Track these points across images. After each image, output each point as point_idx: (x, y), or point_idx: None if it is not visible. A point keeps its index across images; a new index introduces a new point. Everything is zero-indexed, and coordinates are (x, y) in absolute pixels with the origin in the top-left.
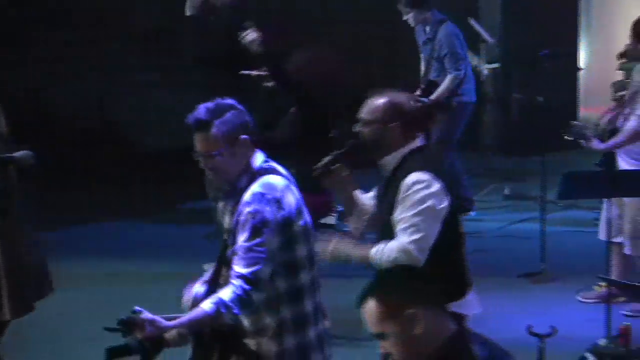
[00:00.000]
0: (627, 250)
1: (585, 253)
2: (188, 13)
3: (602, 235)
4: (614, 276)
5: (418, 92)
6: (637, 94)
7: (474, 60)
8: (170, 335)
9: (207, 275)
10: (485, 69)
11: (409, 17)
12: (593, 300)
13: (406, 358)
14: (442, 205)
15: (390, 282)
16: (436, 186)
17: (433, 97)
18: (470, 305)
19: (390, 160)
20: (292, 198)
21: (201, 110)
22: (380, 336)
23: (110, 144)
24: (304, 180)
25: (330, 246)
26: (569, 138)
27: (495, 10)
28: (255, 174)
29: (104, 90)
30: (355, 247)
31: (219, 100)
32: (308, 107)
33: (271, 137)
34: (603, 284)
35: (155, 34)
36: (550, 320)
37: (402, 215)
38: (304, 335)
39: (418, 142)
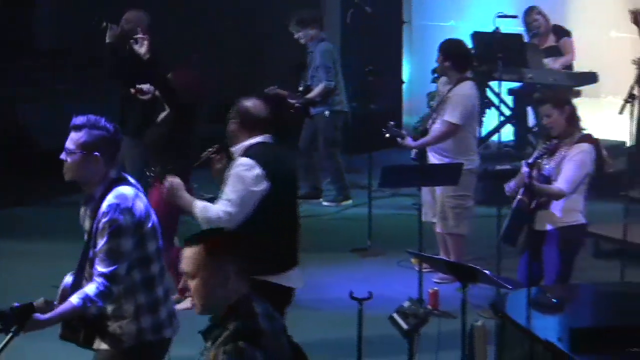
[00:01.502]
0: (437, 229)
1: (404, 232)
2: (107, 40)
3: (425, 217)
4: (442, 252)
5: (298, 93)
6: (443, 102)
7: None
8: (38, 303)
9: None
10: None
11: (300, 35)
12: (443, 280)
13: (198, 302)
14: (258, 188)
15: (216, 240)
16: (256, 171)
17: (309, 96)
18: (294, 280)
19: (238, 148)
20: (141, 204)
21: (84, 116)
22: (189, 275)
23: (22, 145)
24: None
25: (170, 183)
26: (387, 135)
27: (336, 33)
28: (109, 185)
29: (16, 100)
30: (188, 195)
31: (100, 119)
32: (179, 112)
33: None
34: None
35: (60, 51)
36: (373, 287)
37: (224, 188)
38: (158, 316)
39: (260, 139)
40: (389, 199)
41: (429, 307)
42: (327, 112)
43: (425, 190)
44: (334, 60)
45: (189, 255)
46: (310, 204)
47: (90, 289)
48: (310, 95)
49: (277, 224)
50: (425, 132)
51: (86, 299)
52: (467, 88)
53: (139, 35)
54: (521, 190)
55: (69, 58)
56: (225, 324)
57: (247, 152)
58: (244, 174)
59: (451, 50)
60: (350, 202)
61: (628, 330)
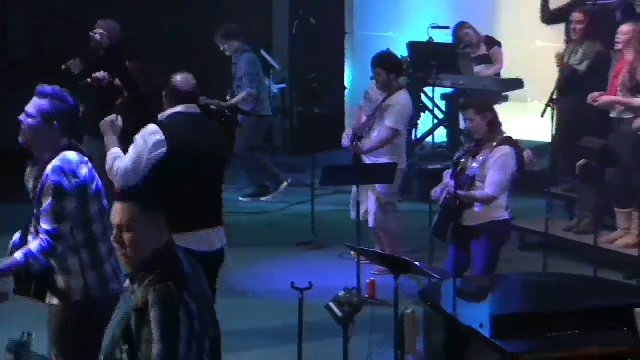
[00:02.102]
0: (370, 224)
1: (346, 226)
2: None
3: (353, 216)
4: (377, 245)
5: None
6: (383, 110)
7: (266, 81)
8: None
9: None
10: (275, 88)
11: (225, 47)
12: (380, 272)
13: (133, 254)
14: (155, 154)
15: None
16: (157, 138)
17: (232, 103)
18: (194, 243)
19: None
20: (85, 169)
21: (51, 88)
22: (125, 229)
23: None
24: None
25: (110, 120)
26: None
27: (284, 43)
28: (58, 152)
29: None
30: (115, 139)
31: (65, 93)
32: (135, 100)
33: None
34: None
35: (29, 61)
36: (315, 278)
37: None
38: (103, 272)
39: (180, 109)
40: (331, 197)
41: (367, 296)
42: (252, 118)
43: (361, 188)
44: (257, 69)
45: (124, 211)
46: (260, 201)
47: (34, 246)
48: (235, 101)
49: (175, 188)
50: (362, 137)
51: (29, 256)
52: (405, 97)
53: (97, 31)
54: (449, 189)
55: (40, 68)
56: (153, 269)
57: (160, 121)
58: (146, 139)
59: (391, 63)
60: (284, 188)
61: (547, 317)
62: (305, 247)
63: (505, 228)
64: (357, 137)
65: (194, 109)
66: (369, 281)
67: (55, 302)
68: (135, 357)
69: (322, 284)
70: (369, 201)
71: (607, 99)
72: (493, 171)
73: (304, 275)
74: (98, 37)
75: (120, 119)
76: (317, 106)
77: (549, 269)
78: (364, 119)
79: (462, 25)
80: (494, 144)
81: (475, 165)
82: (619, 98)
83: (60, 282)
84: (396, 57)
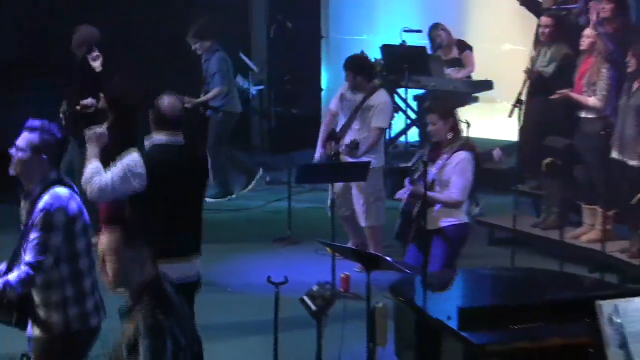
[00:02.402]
0: (362, 223)
1: (321, 223)
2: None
3: (330, 213)
4: (352, 239)
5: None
6: (366, 110)
7: (244, 83)
8: None
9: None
10: (253, 90)
11: (197, 46)
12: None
13: (112, 279)
14: (135, 183)
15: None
16: (139, 169)
17: (203, 99)
18: (181, 271)
19: (146, 143)
20: (74, 204)
21: (40, 121)
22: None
23: None
24: None
25: (96, 131)
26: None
27: (262, 47)
28: (47, 185)
29: None
30: (97, 151)
31: (54, 125)
32: (121, 117)
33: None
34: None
35: (27, 62)
36: (291, 273)
37: (114, 165)
38: (84, 307)
39: (162, 138)
40: (307, 194)
41: (341, 290)
42: (220, 114)
43: (338, 186)
44: (228, 67)
45: (108, 241)
46: (238, 199)
47: (12, 275)
48: (205, 97)
49: (155, 217)
50: (339, 139)
51: (6, 284)
52: (385, 95)
53: (95, 53)
54: (408, 193)
55: (36, 68)
56: (141, 299)
57: (143, 149)
58: (131, 167)
59: (359, 65)
60: (233, 196)
61: (512, 310)
62: (281, 242)
63: (464, 231)
64: (355, 145)
65: (177, 137)
66: (342, 275)
67: (37, 332)
68: None
69: (297, 278)
70: (355, 202)
71: (565, 91)
72: (455, 176)
73: (280, 270)
74: (97, 64)
75: (106, 132)
76: (293, 107)
77: (515, 263)
78: (342, 119)
79: (435, 26)
80: (452, 148)
81: (433, 170)
82: (574, 94)
83: (42, 313)
84: (362, 58)
